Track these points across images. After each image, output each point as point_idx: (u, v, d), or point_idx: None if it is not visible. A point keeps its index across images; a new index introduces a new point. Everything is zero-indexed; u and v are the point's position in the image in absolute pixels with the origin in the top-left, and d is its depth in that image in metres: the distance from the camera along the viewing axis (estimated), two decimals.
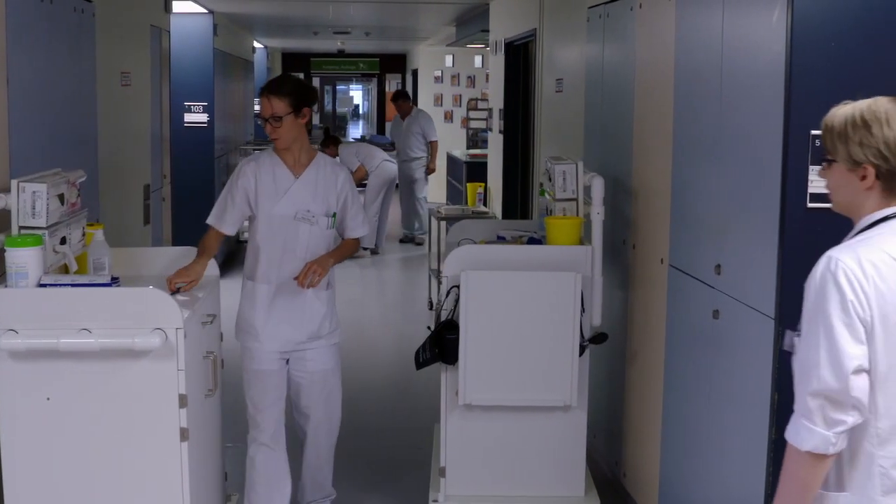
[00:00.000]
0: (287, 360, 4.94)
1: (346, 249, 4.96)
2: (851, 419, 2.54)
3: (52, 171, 4.41)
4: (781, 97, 3.55)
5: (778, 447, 3.62)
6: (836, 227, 3.51)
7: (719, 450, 4.16)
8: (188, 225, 10.01)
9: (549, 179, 5.29)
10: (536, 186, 8.16)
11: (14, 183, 4.04)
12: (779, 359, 3.59)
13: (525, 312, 4.86)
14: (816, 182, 3.51)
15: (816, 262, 2.64)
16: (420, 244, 14.39)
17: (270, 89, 4.78)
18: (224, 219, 4.86)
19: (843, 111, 2.72)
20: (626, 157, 5.42)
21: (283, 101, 4.74)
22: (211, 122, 11.69)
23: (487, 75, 18.81)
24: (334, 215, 4.86)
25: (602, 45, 5.96)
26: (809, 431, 2.57)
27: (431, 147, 14.32)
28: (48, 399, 3.89)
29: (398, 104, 14.75)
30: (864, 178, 2.65)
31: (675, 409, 4.72)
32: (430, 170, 14.37)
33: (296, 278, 4.67)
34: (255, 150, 13.76)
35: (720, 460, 4.16)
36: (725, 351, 4.10)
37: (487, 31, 11.00)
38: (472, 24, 12.67)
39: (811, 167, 3.52)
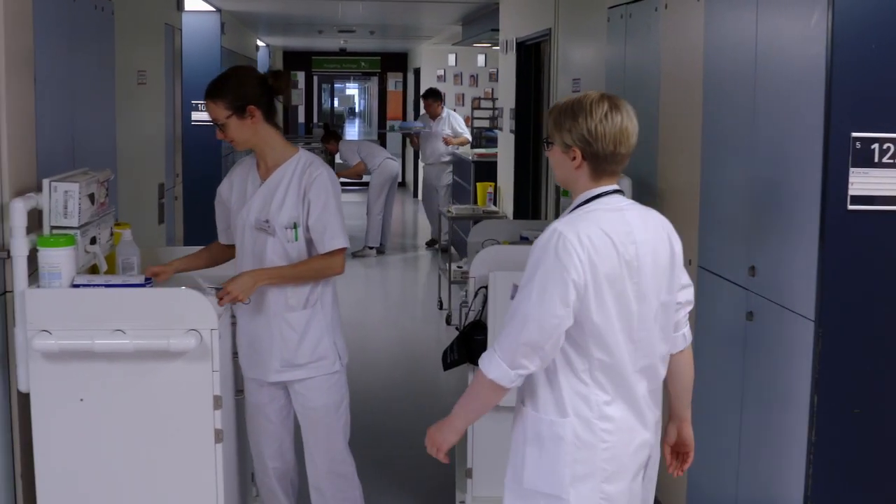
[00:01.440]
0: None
1: (304, 270, 4.27)
2: (534, 366, 3.02)
3: (81, 171, 4.40)
4: (821, 99, 3.54)
5: (818, 449, 3.63)
6: (877, 229, 3.55)
7: (753, 451, 4.15)
8: (196, 224, 10.03)
9: None
10: (551, 186, 8.15)
11: (46, 182, 4.02)
12: (819, 361, 3.58)
13: None
14: (858, 184, 3.52)
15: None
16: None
17: (206, 93, 4.29)
18: (219, 228, 4.56)
19: (561, 102, 3.20)
20: (649, 158, 5.40)
21: (220, 104, 4.24)
22: None
23: (490, 74, 18.83)
24: (295, 226, 4.27)
25: (624, 45, 5.94)
26: (498, 365, 3.03)
27: (461, 140, 14.30)
28: (81, 400, 3.88)
29: (428, 102, 14.42)
30: (574, 158, 3.13)
31: (703, 409, 4.70)
32: (456, 142, 14.29)
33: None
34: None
35: (754, 461, 4.15)
36: (760, 352, 4.09)
37: (496, 30, 10.98)
38: (479, 23, 12.66)
39: (852, 169, 3.52)
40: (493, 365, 3.03)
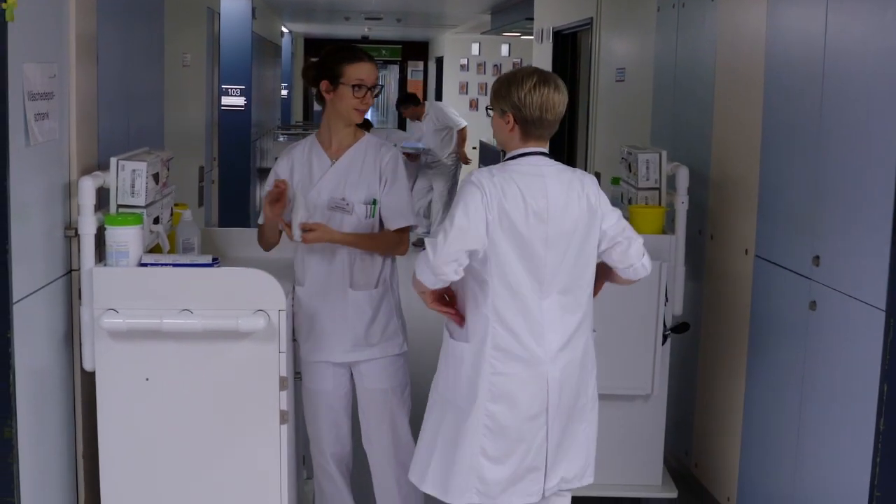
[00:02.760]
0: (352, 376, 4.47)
1: (378, 241, 4.31)
2: (453, 274, 3.57)
3: (144, 150, 4.40)
4: None
5: (886, 439, 3.62)
6: None
7: (814, 441, 4.15)
8: (227, 207, 10.06)
9: (629, 168, 5.26)
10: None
11: (113, 161, 4.02)
12: (890, 350, 3.57)
13: (608, 300, 4.81)
14: None
15: None
16: None
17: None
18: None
19: (501, 76, 3.77)
20: (703, 148, 5.39)
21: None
22: (248, 105, 11.67)
23: (514, 64, 18.80)
24: (375, 202, 4.30)
25: (675, 35, 5.93)
26: (425, 273, 3.61)
27: (460, 135, 12.87)
28: (147, 380, 3.88)
29: (409, 110, 12.84)
30: (508, 122, 3.69)
31: (759, 400, 4.71)
32: (462, 158, 12.95)
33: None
34: (283, 134, 13.75)
35: (815, 452, 4.14)
36: (823, 343, 4.08)
37: (531, 19, 10.96)
38: (511, 12, 12.64)
39: None
40: (421, 271, 3.63)
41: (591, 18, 8.06)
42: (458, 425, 3.72)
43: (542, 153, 3.70)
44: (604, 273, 3.87)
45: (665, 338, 4.95)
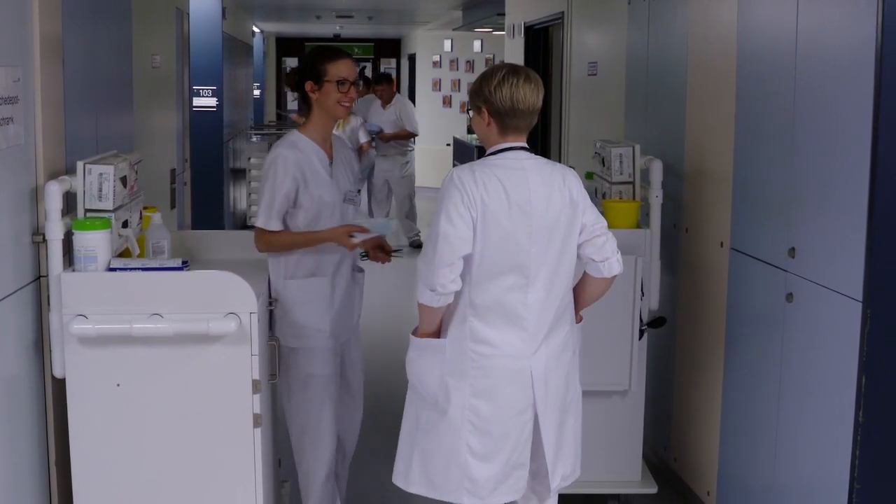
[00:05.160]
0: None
1: None
2: (451, 283, 3.59)
3: (112, 153, 4.35)
4: (871, 81, 3.51)
5: (866, 431, 3.61)
6: None
7: (794, 434, 4.13)
8: (201, 209, 9.99)
9: (603, 163, 5.24)
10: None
11: (80, 164, 3.96)
12: (867, 341, 3.56)
13: None
14: None
15: None
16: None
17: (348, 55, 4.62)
18: (280, 214, 4.40)
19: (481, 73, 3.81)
20: (676, 141, 5.37)
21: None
22: (220, 106, 11.60)
23: (487, 60, 18.78)
24: (359, 192, 4.74)
25: (647, 28, 5.91)
26: (423, 292, 3.64)
27: (404, 130, 12.54)
28: (118, 385, 3.82)
29: (382, 88, 12.69)
30: (484, 117, 3.72)
31: (737, 393, 4.69)
32: (384, 137, 12.48)
33: (366, 257, 4.67)
34: (256, 134, 13.69)
35: (794, 445, 4.13)
36: (800, 334, 4.07)
37: (502, 14, 10.93)
38: (483, 7, 12.60)
39: None
40: (422, 293, 3.65)
41: (563, 12, 8.04)
42: (439, 423, 3.74)
43: (523, 147, 3.74)
44: (579, 296, 3.92)
45: (642, 333, 4.93)
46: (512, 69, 3.72)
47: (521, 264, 3.64)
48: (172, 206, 7.51)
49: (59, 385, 3.93)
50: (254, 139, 13.18)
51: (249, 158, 12.71)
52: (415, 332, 3.85)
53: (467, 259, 3.62)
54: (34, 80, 3.94)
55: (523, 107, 3.68)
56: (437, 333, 3.78)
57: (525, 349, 3.70)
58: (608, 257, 3.78)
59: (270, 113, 23.26)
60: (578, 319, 3.94)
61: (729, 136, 4.72)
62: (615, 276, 3.84)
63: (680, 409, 5.43)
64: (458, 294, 3.67)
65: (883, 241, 3.53)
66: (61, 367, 3.86)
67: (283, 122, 19.47)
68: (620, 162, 5.06)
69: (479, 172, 3.63)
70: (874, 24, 3.49)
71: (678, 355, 5.43)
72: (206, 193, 10.91)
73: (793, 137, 4.11)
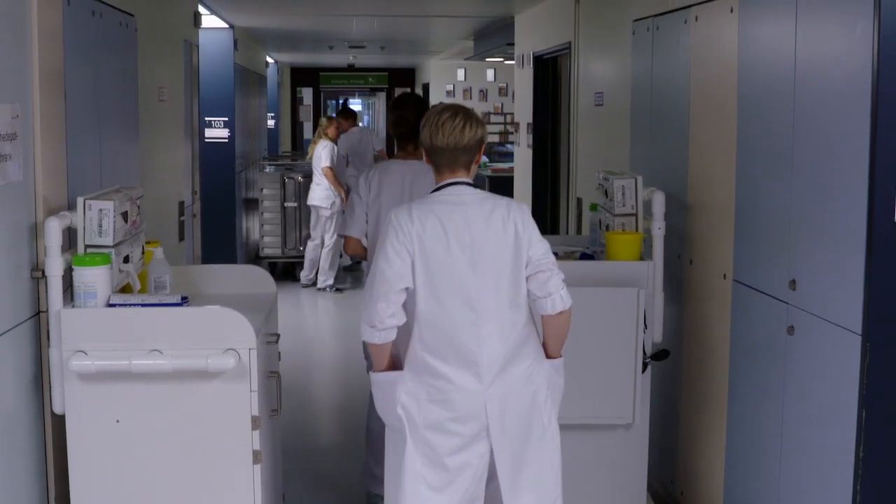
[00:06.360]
0: None
1: None
2: (389, 318, 3.65)
3: (114, 188, 4.36)
4: (868, 110, 3.50)
5: (866, 465, 3.58)
6: None
7: (795, 467, 4.10)
8: (211, 241, 9.99)
9: (606, 195, 5.23)
10: (571, 201, 8.10)
11: (80, 200, 3.98)
12: (867, 375, 3.53)
13: (587, 329, 4.79)
14: None
15: None
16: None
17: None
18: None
19: None
20: (680, 172, 5.36)
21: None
22: (232, 137, 11.63)
23: (500, 89, 18.82)
24: None
25: (650, 58, 5.90)
26: (364, 329, 3.70)
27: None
28: (117, 421, 3.84)
29: (347, 122, 12.39)
30: (425, 156, 3.87)
31: (741, 426, 4.66)
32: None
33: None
34: (270, 165, 13.71)
35: (796, 478, 4.10)
36: (801, 367, 4.04)
37: (511, 44, 10.94)
38: (493, 37, 12.62)
39: None
40: (363, 331, 3.71)
41: (570, 42, 8.04)
42: (400, 453, 3.79)
43: (465, 183, 3.82)
44: (542, 335, 3.92)
45: (645, 365, 4.90)
46: (442, 108, 3.84)
47: (467, 297, 3.70)
48: (181, 239, 7.53)
49: (59, 421, 3.94)
50: (267, 169, 13.17)
51: (262, 189, 12.72)
52: (371, 369, 3.90)
53: (411, 294, 3.70)
54: (34, 115, 3.97)
55: (442, 144, 3.76)
56: (394, 366, 3.83)
57: (479, 383, 3.71)
58: (551, 293, 3.74)
59: (286, 143, 23.31)
60: (552, 355, 3.91)
61: (730, 167, 4.71)
62: (562, 313, 3.79)
63: (686, 441, 5.39)
64: (409, 330, 3.73)
65: (882, 274, 3.51)
66: (61, 404, 3.87)
67: (298, 153, 19.51)
68: (623, 194, 5.05)
69: (416, 210, 3.72)
70: (870, 53, 3.48)
71: (684, 387, 5.40)
72: (218, 225, 10.92)
73: (792, 168, 4.09)
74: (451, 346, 3.71)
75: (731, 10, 4.70)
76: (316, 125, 25.85)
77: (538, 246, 3.77)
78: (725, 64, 4.79)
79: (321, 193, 11.73)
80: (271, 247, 12.60)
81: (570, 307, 3.79)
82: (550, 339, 3.89)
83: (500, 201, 3.81)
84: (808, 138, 3.98)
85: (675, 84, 5.50)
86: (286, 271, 12.81)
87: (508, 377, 3.74)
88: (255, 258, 13.03)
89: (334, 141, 11.93)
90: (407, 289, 3.69)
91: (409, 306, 3.71)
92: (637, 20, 6.13)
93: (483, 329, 3.71)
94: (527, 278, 3.76)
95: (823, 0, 3.90)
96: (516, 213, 3.77)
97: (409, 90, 25.19)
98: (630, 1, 6.34)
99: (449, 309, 3.70)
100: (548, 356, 3.89)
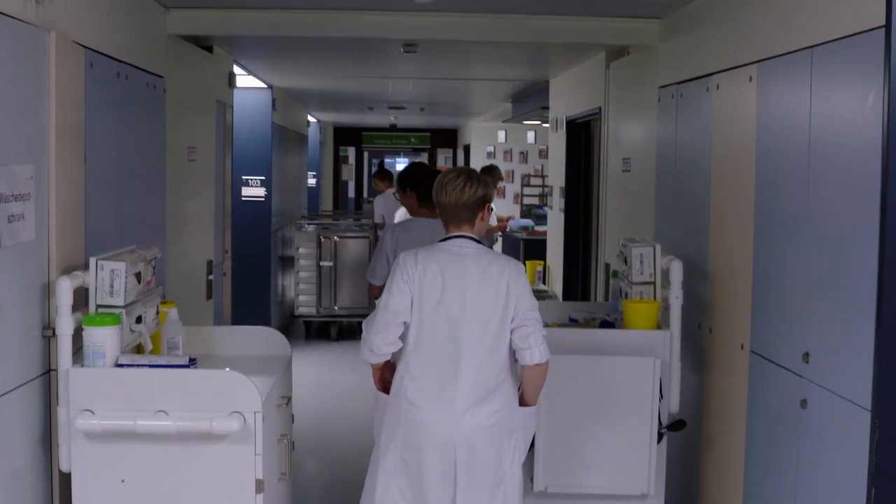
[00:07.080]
0: None
1: None
2: (386, 346, 4.07)
3: (129, 249, 4.39)
4: (878, 182, 3.48)
5: None
6: None
7: None
8: (245, 299, 10.01)
9: (625, 262, 5.20)
10: (600, 266, 8.07)
11: (93, 261, 4.02)
12: (876, 452, 3.47)
13: (602, 398, 4.76)
14: None
15: None
16: None
17: None
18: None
19: None
20: (701, 239, 5.33)
21: None
22: (268, 195, 11.68)
23: (540, 151, 18.81)
24: None
25: (675, 125, 5.90)
26: (365, 353, 4.12)
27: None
28: (123, 481, 3.84)
29: (382, 184, 13.42)
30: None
31: (756, 498, 4.59)
32: None
33: None
34: (309, 224, 13.76)
35: None
36: (814, 442, 3.98)
37: (546, 108, 10.95)
38: (529, 100, 12.64)
39: None
40: (363, 352, 4.12)
41: (600, 107, 8.05)
42: (376, 462, 4.17)
43: (469, 237, 4.18)
44: (522, 384, 4.19)
45: (661, 436, 4.84)
46: (450, 171, 4.26)
47: (454, 337, 4.04)
48: (209, 297, 7.56)
49: (66, 479, 3.94)
50: (306, 228, 13.20)
51: (298, 248, 12.75)
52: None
53: (408, 327, 4.06)
54: (50, 174, 4.01)
55: (445, 201, 4.17)
56: (387, 389, 4.23)
57: (451, 414, 4.02)
58: (531, 346, 4.04)
59: (326, 202, 23.41)
60: (528, 403, 4.20)
61: (748, 235, 4.68)
62: (539, 365, 4.07)
63: None
64: (400, 357, 4.12)
65: (892, 349, 3.46)
66: (67, 462, 3.88)
67: (340, 212, 19.55)
68: (641, 262, 5.02)
69: (421, 256, 4.11)
70: (880, 123, 3.46)
71: (702, 458, 5.33)
72: (253, 283, 10.94)
73: (806, 237, 4.07)
74: (433, 377, 4.06)
75: (750, 79, 4.70)
76: (359, 184, 25.94)
77: (526, 302, 4.08)
78: (744, 131, 4.78)
79: None
80: (306, 305, 12.60)
81: (546, 360, 4.08)
82: (527, 387, 4.19)
83: (499, 258, 4.18)
84: (821, 208, 3.96)
85: (697, 150, 5.49)
86: (321, 330, 12.81)
87: (480, 416, 4.04)
88: (290, 316, 13.04)
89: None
90: (405, 323, 4.06)
91: (403, 336, 4.08)
92: (663, 87, 6.14)
93: (462, 367, 4.04)
94: (511, 330, 4.06)
95: (836, 70, 3.89)
96: (510, 270, 4.11)
97: (450, 151, 25.33)
98: (657, 67, 6.34)
99: (435, 345, 4.05)
100: (525, 403, 4.19)
